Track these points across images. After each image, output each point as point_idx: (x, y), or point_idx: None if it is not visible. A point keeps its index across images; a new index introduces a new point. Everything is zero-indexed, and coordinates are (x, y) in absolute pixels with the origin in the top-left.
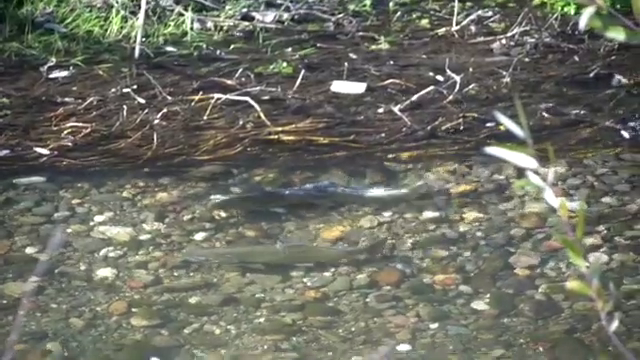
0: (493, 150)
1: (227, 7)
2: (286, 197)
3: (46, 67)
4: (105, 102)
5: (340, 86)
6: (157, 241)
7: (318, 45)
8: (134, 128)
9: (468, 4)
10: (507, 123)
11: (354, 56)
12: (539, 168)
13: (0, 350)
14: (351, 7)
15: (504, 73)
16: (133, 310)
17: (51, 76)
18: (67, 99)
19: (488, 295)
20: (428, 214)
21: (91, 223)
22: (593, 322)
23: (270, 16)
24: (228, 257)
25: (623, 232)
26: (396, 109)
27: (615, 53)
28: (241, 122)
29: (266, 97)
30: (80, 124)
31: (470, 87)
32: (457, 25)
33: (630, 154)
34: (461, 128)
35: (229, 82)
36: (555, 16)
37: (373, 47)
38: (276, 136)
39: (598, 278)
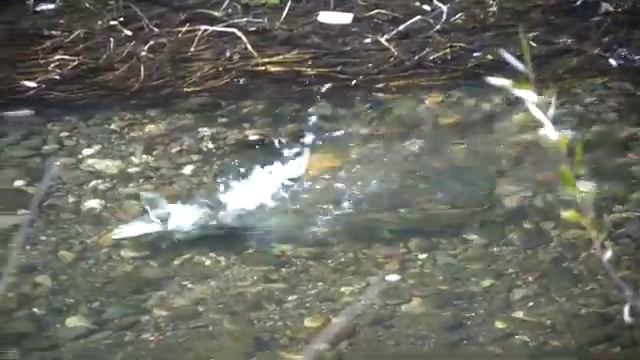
0: (494, 80)
1: None
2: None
3: (32, 0)
4: (92, 35)
5: (327, 17)
6: (146, 174)
7: None
8: (121, 60)
9: None
10: (510, 59)
11: None
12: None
13: None
14: None
15: (491, 2)
16: (123, 242)
17: (37, 9)
18: (54, 32)
19: (477, 225)
20: (416, 145)
21: (79, 156)
22: (581, 251)
23: None
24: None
25: (612, 160)
26: (383, 39)
27: None
28: (228, 54)
29: (253, 28)
30: (67, 57)
31: (457, 16)
32: None
33: (618, 82)
34: (449, 58)
35: (216, 14)
36: None
37: None
38: (263, 67)
39: (591, 207)
